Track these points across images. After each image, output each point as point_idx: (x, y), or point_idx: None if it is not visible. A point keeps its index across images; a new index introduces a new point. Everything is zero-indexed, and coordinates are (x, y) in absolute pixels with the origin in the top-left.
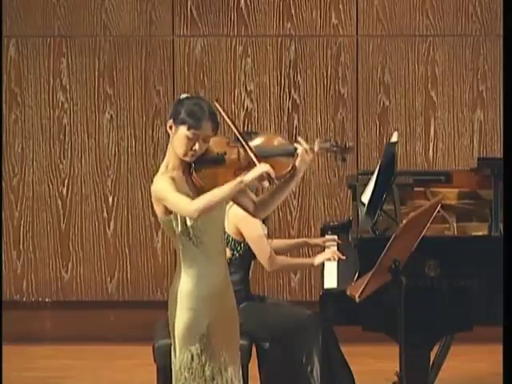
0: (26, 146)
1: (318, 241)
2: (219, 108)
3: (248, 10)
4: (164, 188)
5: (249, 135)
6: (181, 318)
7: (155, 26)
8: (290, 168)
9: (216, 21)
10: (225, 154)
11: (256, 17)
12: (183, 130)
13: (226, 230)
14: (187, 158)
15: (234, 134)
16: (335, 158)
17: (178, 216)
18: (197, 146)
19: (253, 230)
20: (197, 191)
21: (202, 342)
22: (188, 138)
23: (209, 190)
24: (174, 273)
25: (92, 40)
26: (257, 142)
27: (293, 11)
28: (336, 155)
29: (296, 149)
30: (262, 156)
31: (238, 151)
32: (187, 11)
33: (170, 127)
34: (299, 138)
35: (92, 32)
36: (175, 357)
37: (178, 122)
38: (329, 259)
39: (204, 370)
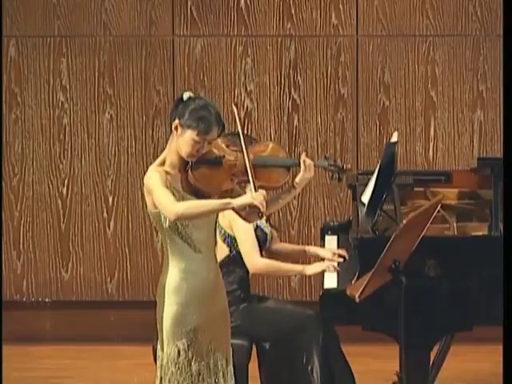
0: (26, 145)
1: (323, 253)
2: (236, 113)
3: (248, 10)
4: (154, 182)
5: (249, 141)
6: (168, 312)
7: (155, 26)
8: (285, 181)
9: (216, 21)
10: (223, 157)
11: (256, 17)
12: (191, 134)
13: (221, 224)
14: (189, 158)
15: (239, 137)
16: (331, 176)
17: None
18: (202, 149)
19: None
20: (190, 190)
21: (189, 338)
22: (195, 142)
23: (203, 190)
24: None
25: (92, 40)
26: (259, 149)
27: (293, 11)
28: (333, 174)
29: (295, 163)
30: (262, 165)
31: (237, 156)
32: (187, 11)
33: (176, 127)
34: (303, 154)
35: (92, 32)
36: (162, 351)
37: (186, 125)
38: (324, 270)
39: (190, 365)
